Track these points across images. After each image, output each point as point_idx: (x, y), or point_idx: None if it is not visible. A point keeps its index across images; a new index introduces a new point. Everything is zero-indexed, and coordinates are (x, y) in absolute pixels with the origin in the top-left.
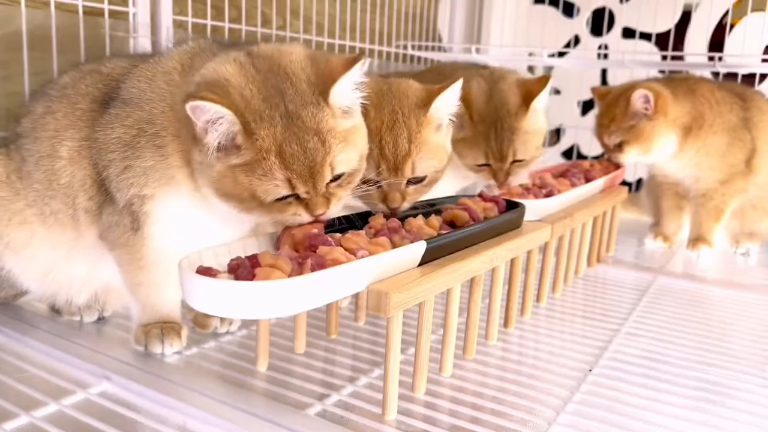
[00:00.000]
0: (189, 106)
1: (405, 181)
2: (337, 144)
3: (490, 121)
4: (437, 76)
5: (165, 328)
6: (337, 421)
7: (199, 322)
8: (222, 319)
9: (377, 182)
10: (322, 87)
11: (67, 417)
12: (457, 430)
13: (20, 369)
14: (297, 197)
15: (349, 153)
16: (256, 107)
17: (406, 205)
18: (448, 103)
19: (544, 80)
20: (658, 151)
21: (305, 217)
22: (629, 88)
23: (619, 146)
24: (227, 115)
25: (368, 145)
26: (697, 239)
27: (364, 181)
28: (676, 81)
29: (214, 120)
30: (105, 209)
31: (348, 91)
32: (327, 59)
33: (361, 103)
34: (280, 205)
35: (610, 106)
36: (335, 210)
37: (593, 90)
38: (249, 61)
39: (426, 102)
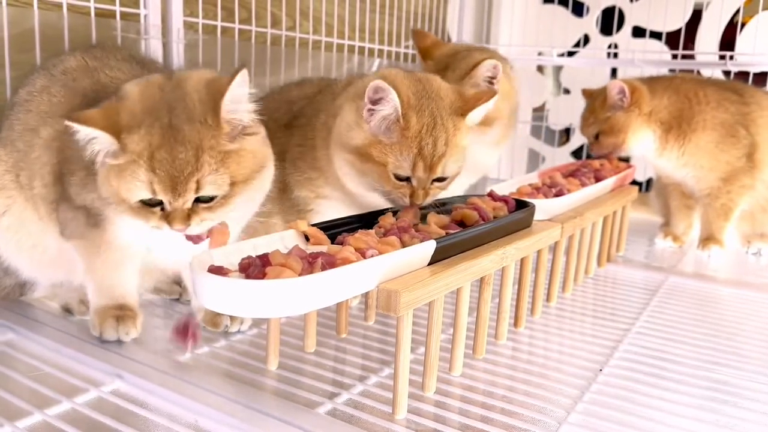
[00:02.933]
0: (66, 125)
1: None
2: (212, 164)
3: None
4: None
5: (120, 316)
6: (347, 420)
7: (210, 320)
8: (232, 318)
9: (407, 178)
10: (212, 104)
11: (80, 415)
12: (468, 430)
13: (33, 367)
14: (162, 209)
15: (221, 176)
16: (138, 118)
17: (428, 201)
18: (481, 112)
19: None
20: (634, 145)
21: (164, 230)
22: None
23: (596, 137)
24: (100, 135)
25: (406, 143)
26: (707, 239)
27: (399, 178)
28: (660, 79)
29: (89, 139)
30: (61, 205)
31: (237, 104)
32: (218, 83)
33: (396, 106)
34: (145, 212)
35: (593, 100)
36: (196, 230)
37: (583, 91)
38: (159, 83)
39: (464, 110)
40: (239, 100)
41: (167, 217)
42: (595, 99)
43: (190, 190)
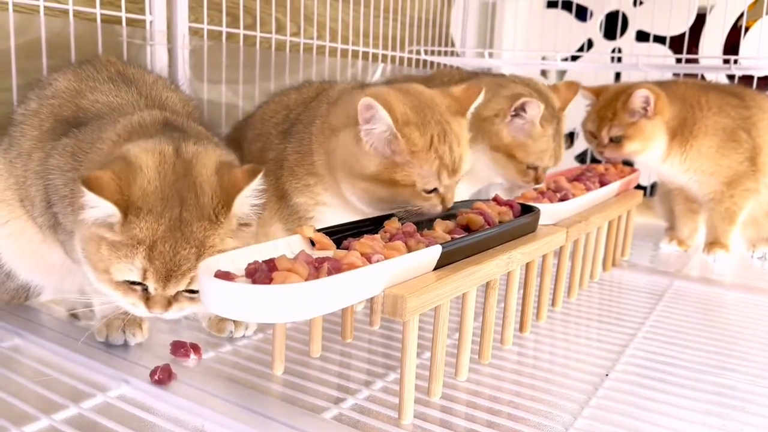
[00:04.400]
0: (80, 187)
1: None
2: None
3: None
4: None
5: (127, 320)
6: (353, 425)
7: (215, 326)
8: (236, 324)
9: (434, 188)
10: (225, 199)
11: (86, 420)
12: None
13: (39, 372)
14: (144, 290)
15: None
16: (150, 202)
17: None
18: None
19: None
20: (652, 151)
21: (141, 310)
22: (629, 87)
23: (618, 141)
24: (108, 208)
25: (425, 157)
26: (713, 243)
27: (428, 191)
28: (667, 84)
29: (93, 205)
30: (57, 228)
31: (247, 202)
32: (230, 171)
33: (394, 125)
34: (125, 288)
35: (609, 101)
36: (171, 315)
37: (584, 88)
38: (172, 159)
39: (462, 110)
40: (251, 197)
41: (147, 300)
42: (613, 101)
43: (182, 284)
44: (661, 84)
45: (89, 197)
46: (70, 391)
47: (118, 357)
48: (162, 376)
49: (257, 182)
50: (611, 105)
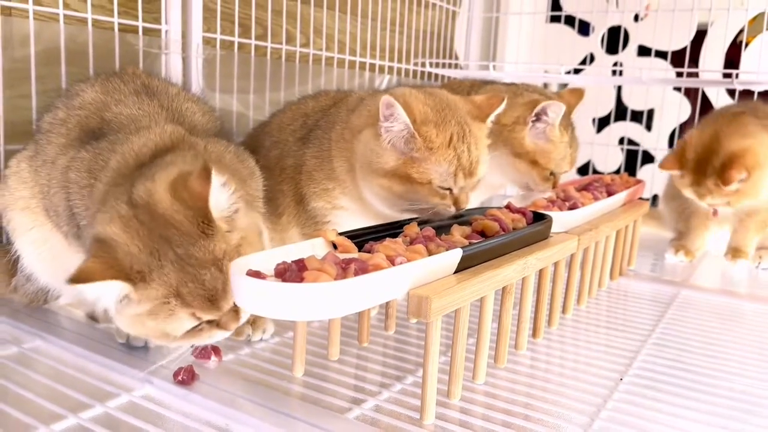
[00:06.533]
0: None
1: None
2: None
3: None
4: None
5: None
6: (375, 424)
7: None
8: (254, 327)
9: (448, 188)
10: (201, 215)
11: (113, 418)
12: None
13: (63, 374)
14: (208, 322)
15: None
16: (143, 262)
17: (468, 205)
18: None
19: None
20: (761, 197)
21: (219, 335)
22: (711, 151)
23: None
24: (113, 284)
25: (443, 155)
26: (737, 250)
27: (443, 188)
28: (730, 123)
29: (103, 288)
30: (82, 235)
31: (221, 201)
32: (185, 187)
33: (411, 125)
34: (194, 333)
35: (699, 176)
36: (245, 318)
37: (666, 166)
38: (132, 215)
39: (483, 116)
40: (219, 194)
41: (219, 325)
42: (704, 177)
43: (230, 297)
44: (720, 120)
45: (94, 287)
46: (95, 391)
47: (139, 358)
48: (186, 377)
49: (215, 179)
50: (705, 183)
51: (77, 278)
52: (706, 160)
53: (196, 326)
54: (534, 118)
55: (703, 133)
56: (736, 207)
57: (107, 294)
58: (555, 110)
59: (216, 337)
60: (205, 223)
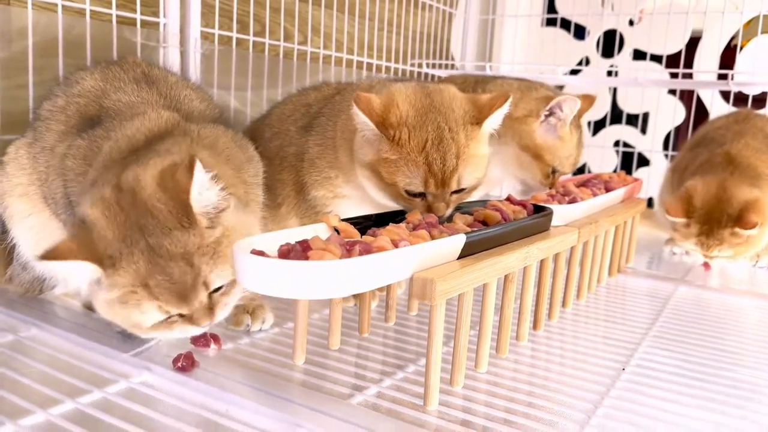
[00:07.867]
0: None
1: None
2: (208, 260)
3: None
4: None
5: None
6: (377, 410)
7: (232, 318)
8: (254, 317)
9: (422, 194)
10: (180, 206)
11: (112, 403)
12: (495, 423)
13: (60, 361)
14: (180, 315)
15: (223, 265)
16: (115, 248)
17: (449, 212)
18: (498, 117)
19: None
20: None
21: (192, 330)
22: (722, 200)
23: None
24: (83, 265)
25: (412, 160)
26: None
27: (412, 194)
28: (742, 166)
29: (73, 268)
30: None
31: (204, 193)
32: (171, 177)
33: (391, 126)
34: (166, 325)
35: (709, 225)
36: (222, 315)
37: (671, 212)
38: (115, 200)
39: (479, 119)
40: (204, 188)
41: (191, 320)
42: (715, 227)
43: (201, 293)
44: (731, 167)
45: (64, 265)
46: (93, 377)
47: (136, 347)
48: (185, 363)
49: (199, 172)
50: (716, 234)
51: (47, 255)
52: (719, 210)
53: (167, 318)
54: (547, 113)
55: (710, 184)
56: (737, 258)
57: (77, 274)
58: (570, 106)
59: (188, 332)
60: (182, 215)
